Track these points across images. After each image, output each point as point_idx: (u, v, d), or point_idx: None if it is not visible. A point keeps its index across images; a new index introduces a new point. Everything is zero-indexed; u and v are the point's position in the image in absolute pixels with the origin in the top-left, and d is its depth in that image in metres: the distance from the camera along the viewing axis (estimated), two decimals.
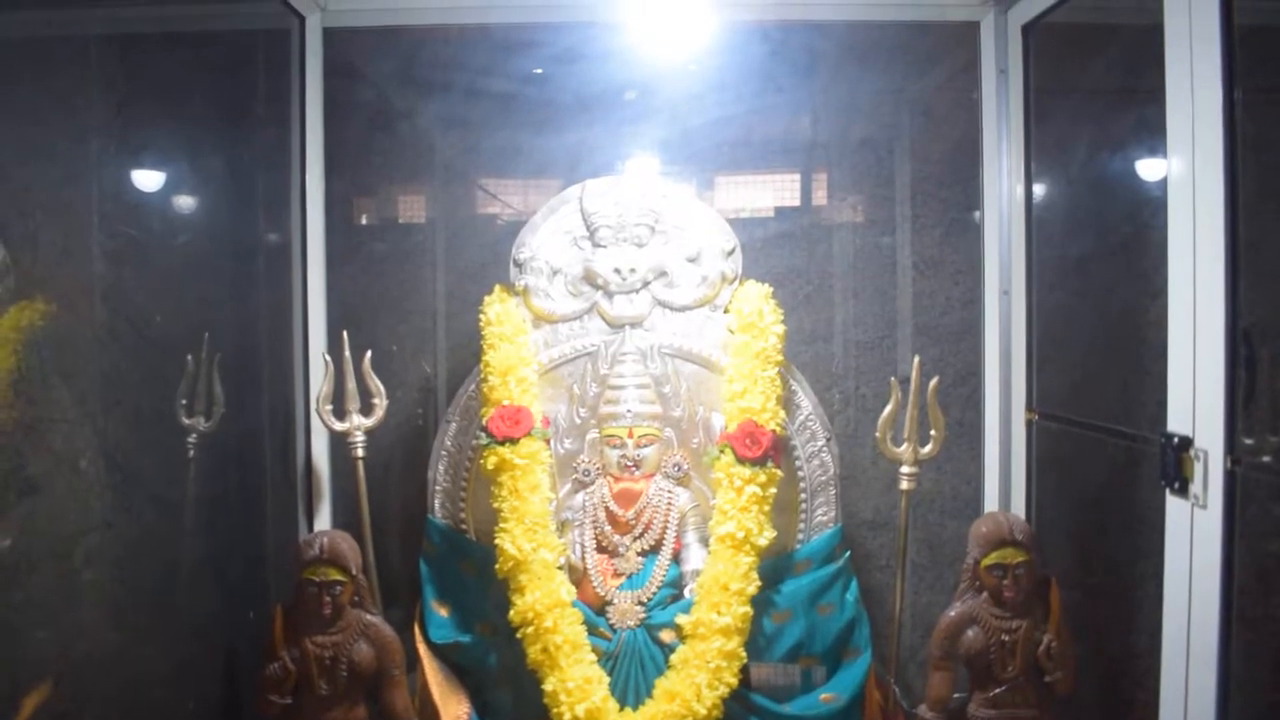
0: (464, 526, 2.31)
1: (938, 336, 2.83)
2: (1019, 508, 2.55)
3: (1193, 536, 1.87)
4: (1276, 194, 1.88)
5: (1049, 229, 2.61)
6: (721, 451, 2.15)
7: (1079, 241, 2.60)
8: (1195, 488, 1.85)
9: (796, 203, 2.83)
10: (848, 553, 2.30)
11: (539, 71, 2.68)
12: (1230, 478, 1.81)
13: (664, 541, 2.20)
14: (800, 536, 2.29)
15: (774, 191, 2.81)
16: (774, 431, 2.15)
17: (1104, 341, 2.47)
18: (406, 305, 2.73)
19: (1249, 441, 1.79)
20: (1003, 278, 2.65)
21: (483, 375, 2.21)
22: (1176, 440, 1.88)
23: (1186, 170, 1.81)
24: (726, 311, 2.28)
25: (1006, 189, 2.63)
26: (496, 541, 2.10)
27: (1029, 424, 2.59)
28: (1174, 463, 1.89)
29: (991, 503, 2.60)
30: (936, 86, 2.84)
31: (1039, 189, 2.60)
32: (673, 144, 2.72)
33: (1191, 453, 1.85)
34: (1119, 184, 2.46)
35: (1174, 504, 1.92)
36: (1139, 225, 1.97)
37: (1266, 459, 1.81)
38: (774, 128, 2.89)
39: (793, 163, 2.87)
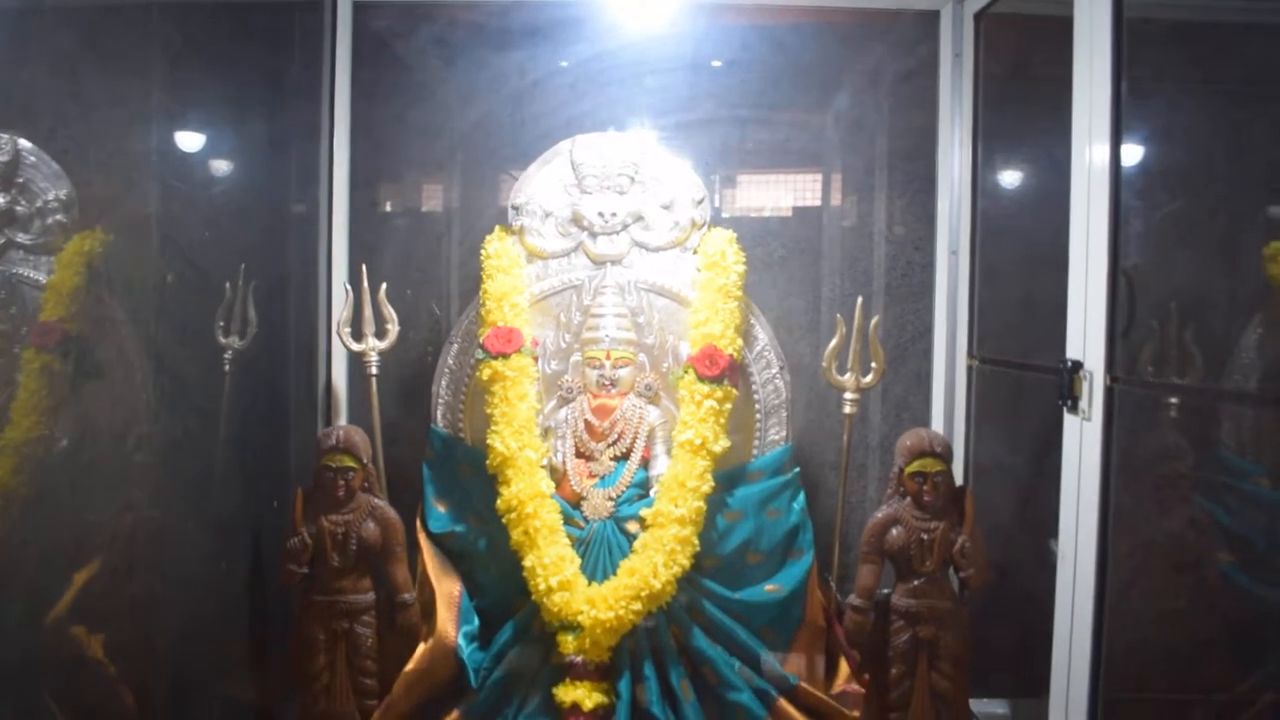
0: (462, 434, 2.65)
1: (899, 296, 3.13)
2: (959, 441, 2.87)
3: (1081, 445, 2.19)
4: (1153, 163, 2.21)
5: (993, 197, 2.92)
6: (685, 371, 2.47)
7: (1017, 207, 2.91)
8: (1083, 404, 2.17)
9: (773, 170, 3.14)
10: (796, 469, 2.61)
11: (546, 42, 3.02)
12: (1109, 393, 2.13)
13: (634, 449, 2.53)
14: (755, 452, 2.61)
15: (753, 158, 3.12)
16: (731, 356, 2.47)
17: (1034, 291, 2.77)
18: (420, 254, 3.06)
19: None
20: (951, 240, 2.97)
21: (481, 301, 2.55)
22: (1070, 364, 2.19)
23: (1085, 138, 2.14)
24: (695, 253, 2.61)
25: (958, 161, 2.95)
26: (488, 441, 2.44)
27: (969, 369, 2.91)
28: (1068, 384, 2.21)
29: None
30: (906, 70, 3.12)
31: (985, 162, 2.91)
32: (658, 110, 3.04)
33: (1081, 374, 2.17)
34: (1050, 158, 2.76)
35: (1069, 421, 2.23)
36: (1063, 193, 2.28)
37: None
38: (758, 106, 3.19)
39: (771, 136, 3.15)
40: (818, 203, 3.14)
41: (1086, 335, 2.17)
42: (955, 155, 2.96)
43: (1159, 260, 2.26)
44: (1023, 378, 2.69)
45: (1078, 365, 2.18)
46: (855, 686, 2.56)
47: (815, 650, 2.56)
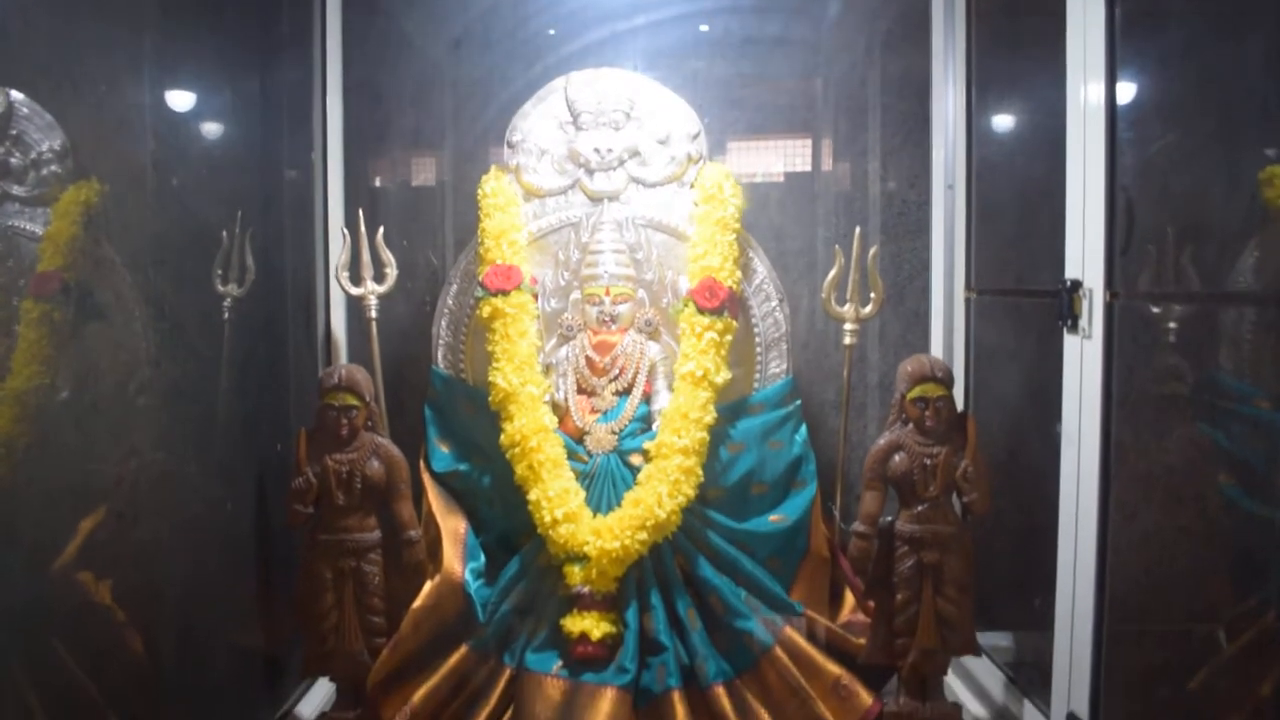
0: (463, 374, 2.65)
1: (895, 235, 3.13)
2: (959, 374, 2.88)
3: (1082, 365, 2.20)
4: (1145, 95, 2.21)
5: (988, 130, 2.92)
6: (685, 304, 2.47)
7: (1012, 138, 2.91)
8: (1083, 322, 2.18)
9: (775, 111, 3.13)
10: (798, 401, 2.62)
11: None
12: (1109, 309, 2.14)
13: (635, 384, 2.53)
14: (756, 386, 2.61)
15: (752, 98, 3.10)
16: (730, 288, 2.47)
17: (1030, 223, 2.77)
18: (418, 203, 3.05)
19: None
20: (947, 174, 2.97)
21: (479, 240, 2.55)
22: (1070, 284, 2.20)
23: (1080, 66, 2.14)
24: (692, 188, 2.61)
25: (952, 96, 2.94)
26: (490, 378, 2.44)
27: (967, 301, 2.92)
28: (1068, 303, 2.22)
29: None
30: (899, 8, 3.12)
31: (979, 96, 2.91)
32: (650, 49, 3.02)
33: (1080, 292, 2.18)
34: (1044, 93, 2.76)
35: (1069, 341, 2.25)
36: (1058, 125, 2.28)
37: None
38: (758, 49, 3.18)
39: (775, 76, 3.14)
40: (811, 143, 3.14)
41: (1085, 253, 2.18)
42: (949, 91, 2.95)
43: (1155, 187, 2.27)
44: (1021, 306, 2.70)
45: (1077, 284, 2.18)
46: (860, 617, 2.58)
47: (820, 581, 2.58)
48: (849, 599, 2.64)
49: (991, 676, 2.71)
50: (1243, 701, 1.99)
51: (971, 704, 2.65)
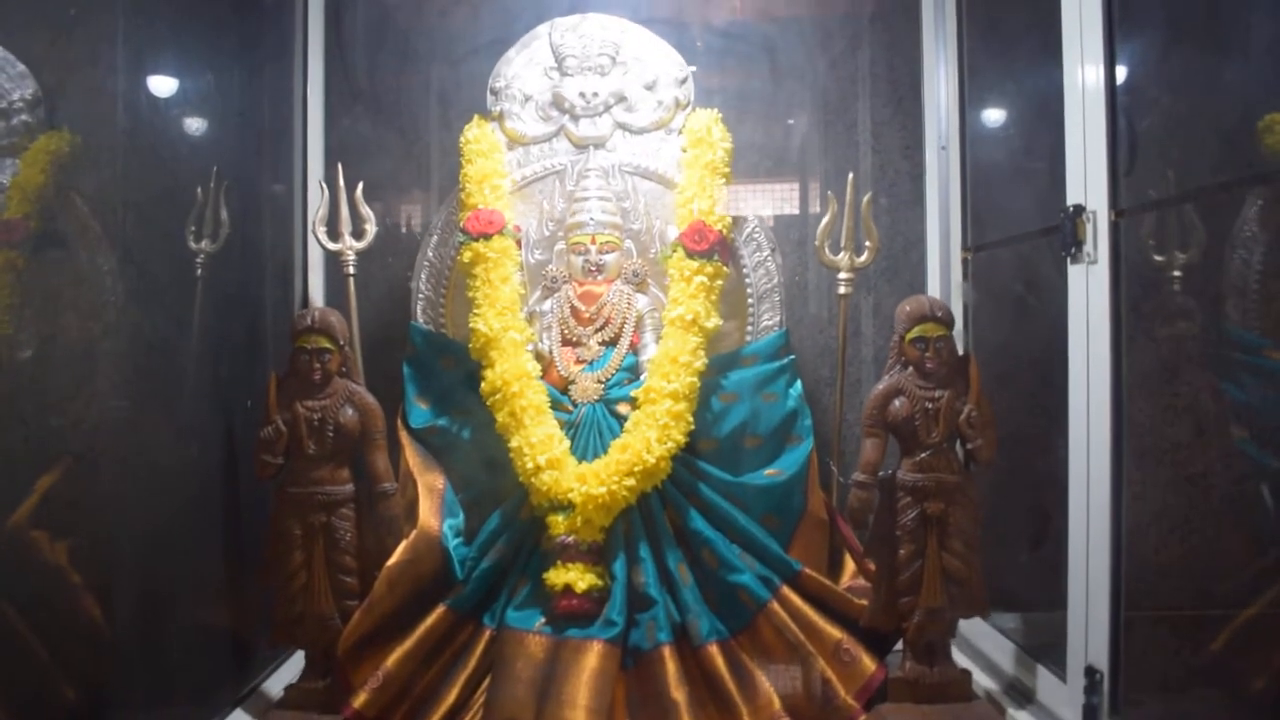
0: (444, 329, 2.54)
1: (889, 206, 3.07)
2: (958, 335, 2.78)
3: (1088, 293, 2.10)
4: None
5: (980, 92, 2.87)
6: (673, 250, 2.38)
7: (1004, 97, 2.85)
8: (1088, 247, 2.09)
9: (765, 77, 3.07)
10: (792, 356, 2.51)
11: None
12: (1114, 229, 2.05)
13: (622, 335, 2.43)
14: (748, 338, 2.51)
15: (741, 59, 3.05)
16: (720, 232, 2.38)
17: (1024, 171, 2.71)
18: (400, 158, 2.97)
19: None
20: (941, 135, 2.91)
21: (461, 186, 2.47)
22: (1073, 209, 2.12)
23: None
24: (680, 134, 2.53)
25: (943, 60, 2.90)
26: (471, 325, 2.33)
27: (965, 261, 2.83)
28: (1071, 230, 2.13)
29: None
30: None
31: (970, 58, 2.86)
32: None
33: (1084, 217, 2.09)
34: (1034, 47, 2.72)
35: (1073, 271, 2.15)
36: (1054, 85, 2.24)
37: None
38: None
39: (763, 43, 3.09)
40: (809, 110, 3.08)
41: (1087, 176, 2.10)
42: (940, 53, 2.91)
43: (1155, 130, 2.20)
44: (1021, 256, 2.61)
45: (1079, 209, 2.10)
46: (860, 582, 2.45)
47: (818, 544, 2.46)
48: (849, 565, 2.50)
49: (1001, 650, 2.55)
50: (1268, 657, 1.87)
51: (981, 679, 2.49)
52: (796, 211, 3.08)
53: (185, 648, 2.27)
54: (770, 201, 3.07)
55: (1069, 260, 2.15)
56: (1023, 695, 2.35)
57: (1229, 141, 2.04)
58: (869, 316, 3.07)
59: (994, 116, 2.85)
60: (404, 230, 3.02)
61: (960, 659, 2.44)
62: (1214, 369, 2.14)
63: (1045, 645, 2.36)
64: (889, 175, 3.06)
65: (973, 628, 2.67)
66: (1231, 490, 2.09)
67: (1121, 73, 2.09)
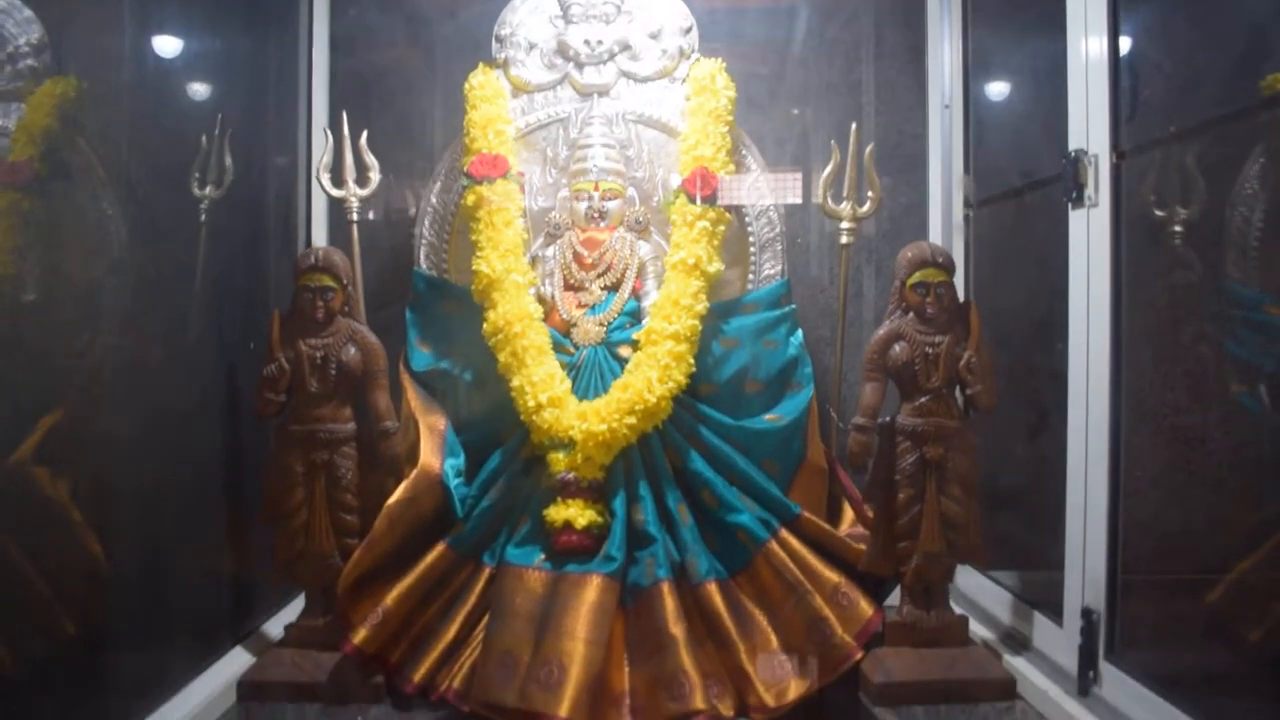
0: (446, 275, 2.55)
1: (891, 169, 3.06)
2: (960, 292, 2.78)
3: (1089, 237, 2.11)
4: None
5: (984, 49, 2.87)
6: (676, 196, 2.39)
7: (1008, 56, 2.86)
8: (1089, 191, 2.10)
9: (774, 37, 3.07)
10: (793, 305, 2.52)
11: None
12: (1115, 170, 2.06)
13: (624, 280, 2.44)
14: (750, 287, 2.52)
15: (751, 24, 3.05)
16: (723, 178, 2.39)
17: (1024, 128, 2.71)
18: (405, 105, 2.97)
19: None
20: (945, 94, 2.91)
21: (465, 131, 2.47)
22: (1074, 154, 2.13)
23: None
24: (684, 83, 2.54)
25: (948, 17, 2.90)
26: (474, 267, 2.34)
27: (966, 218, 2.84)
28: (1072, 175, 2.14)
29: None
30: None
31: (974, 14, 2.87)
32: None
33: (1085, 160, 2.10)
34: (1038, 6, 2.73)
35: (1074, 217, 2.16)
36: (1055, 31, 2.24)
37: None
38: None
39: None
40: (814, 71, 3.08)
41: (1089, 120, 2.11)
42: (944, 10, 2.92)
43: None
44: (1021, 211, 2.62)
45: (1081, 154, 2.11)
46: (859, 530, 2.45)
47: (817, 492, 2.46)
48: (847, 513, 2.51)
49: (999, 601, 2.56)
50: (1264, 608, 1.88)
51: (978, 629, 2.49)
52: (799, 174, 3.07)
53: (185, 586, 2.27)
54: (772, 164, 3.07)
55: (1070, 206, 2.16)
56: (1019, 643, 2.36)
57: (1231, 82, 2.04)
58: (870, 279, 3.07)
59: (997, 75, 2.86)
60: (407, 177, 3.02)
61: (958, 611, 2.44)
62: (1214, 325, 2.14)
63: (1042, 599, 2.37)
64: (892, 137, 3.07)
65: (971, 582, 2.68)
66: (1230, 447, 2.09)
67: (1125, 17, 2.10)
